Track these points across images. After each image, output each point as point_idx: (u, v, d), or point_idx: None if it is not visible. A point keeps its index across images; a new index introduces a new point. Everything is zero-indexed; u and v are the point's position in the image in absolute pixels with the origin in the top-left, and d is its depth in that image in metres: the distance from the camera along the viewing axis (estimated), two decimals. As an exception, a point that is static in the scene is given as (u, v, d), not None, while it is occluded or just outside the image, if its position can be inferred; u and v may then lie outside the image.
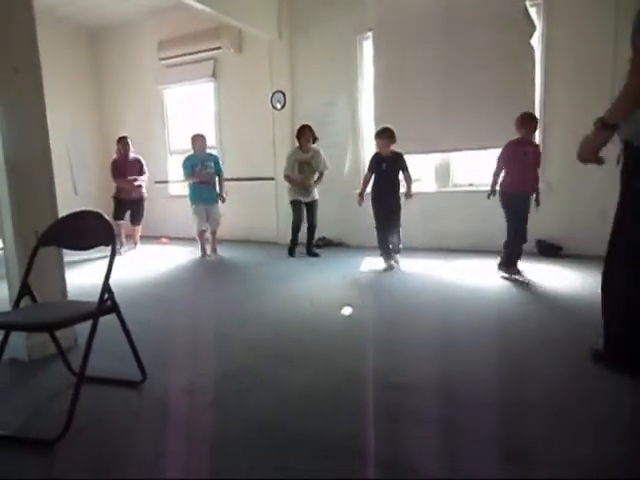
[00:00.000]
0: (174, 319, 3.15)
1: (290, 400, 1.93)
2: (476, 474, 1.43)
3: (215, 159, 5.59)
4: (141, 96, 7.53)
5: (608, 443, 1.55)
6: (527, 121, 3.80)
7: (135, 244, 6.15)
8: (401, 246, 4.58)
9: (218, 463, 1.52)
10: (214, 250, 5.64)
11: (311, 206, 5.26)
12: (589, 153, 1.92)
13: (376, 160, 4.46)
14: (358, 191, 4.63)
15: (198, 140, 5.46)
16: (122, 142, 6.02)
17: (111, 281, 1.89)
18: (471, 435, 1.63)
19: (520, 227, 3.81)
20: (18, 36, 2.39)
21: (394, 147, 4.40)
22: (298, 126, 5.27)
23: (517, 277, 3.85)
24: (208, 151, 5.64)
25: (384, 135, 4.36)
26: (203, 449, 1.61)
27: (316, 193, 5.28)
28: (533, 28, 4.63)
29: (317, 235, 5.72)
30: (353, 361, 2.32)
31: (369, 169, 4.52)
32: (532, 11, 4.67)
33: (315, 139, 5.18)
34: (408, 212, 4.61)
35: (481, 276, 4.02)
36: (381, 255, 4.57)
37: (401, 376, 2.10)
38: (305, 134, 5.11)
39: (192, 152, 5.49)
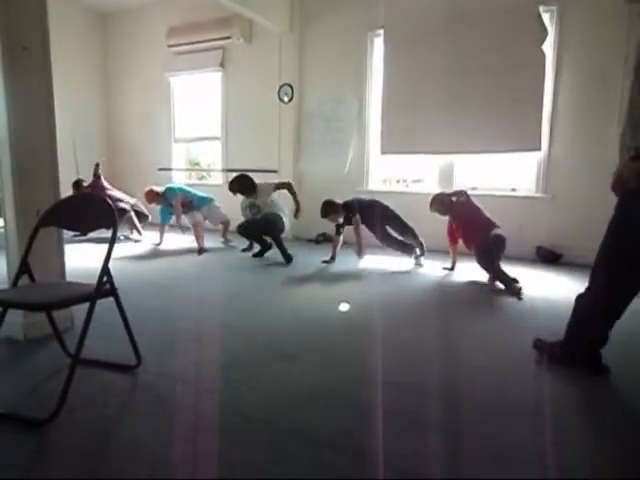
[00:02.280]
0: (173, 306, 3.15)
1: (285, 394, 1.92)
2: (466, 474, 1.44)
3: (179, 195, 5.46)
4: (148, 82, 7.49)
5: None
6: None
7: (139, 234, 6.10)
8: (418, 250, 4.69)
9: (210, 450, 1.51)
10: (227, 240, 5.70)
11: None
12: (625, 181, 1.89)
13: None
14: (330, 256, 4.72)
15: (147, 199, 5.47)
16: (77, 186, 5.81)
17: (110, 265, 1.89)
18: (465, 436, 1.63)
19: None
20: (29, 15, 2.37)
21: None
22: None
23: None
24: (172, 185, 5.65)
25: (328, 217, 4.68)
26: (193, 435, 1.61)
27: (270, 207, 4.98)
28: (545, 33, 4.60)
29: (317, 231, 5.72)
30: (349, 357, 2.32)
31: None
32: (545, 17, 4.65)
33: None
34: (411, 215, 4.65)
35: (481, 280, 4.02)
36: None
37: (398, 375, 2.10)
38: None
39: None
